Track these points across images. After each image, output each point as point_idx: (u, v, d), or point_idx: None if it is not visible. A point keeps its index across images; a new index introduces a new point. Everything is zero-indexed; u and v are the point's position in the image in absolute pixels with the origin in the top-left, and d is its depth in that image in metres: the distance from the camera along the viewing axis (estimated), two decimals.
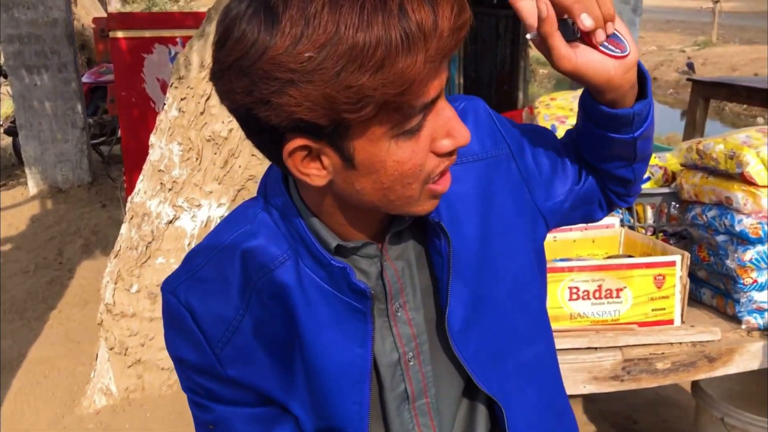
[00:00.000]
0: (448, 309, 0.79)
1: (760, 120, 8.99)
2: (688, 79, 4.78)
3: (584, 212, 0.92)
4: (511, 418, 0.82)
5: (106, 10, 11.19)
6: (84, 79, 6.17)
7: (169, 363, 2.43)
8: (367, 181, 0.67)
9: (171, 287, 0.78)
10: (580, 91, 2.76)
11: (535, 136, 0.88)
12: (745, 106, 8.89)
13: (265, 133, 0.66)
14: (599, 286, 1.42)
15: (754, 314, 1.46)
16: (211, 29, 2.26)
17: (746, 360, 1.45)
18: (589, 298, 1.42)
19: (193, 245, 2.36)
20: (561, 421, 0.90)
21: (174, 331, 0.79)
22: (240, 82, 0.62)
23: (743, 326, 1.47)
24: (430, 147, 0.67)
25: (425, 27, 0.59)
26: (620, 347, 1.41)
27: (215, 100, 2.24)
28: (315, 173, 0.67)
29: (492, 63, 7.23)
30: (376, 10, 0.58)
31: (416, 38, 0.59)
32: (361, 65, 0.58)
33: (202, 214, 2.33)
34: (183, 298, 0.77)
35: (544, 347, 0.88)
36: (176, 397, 2.44)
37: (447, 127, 0.67)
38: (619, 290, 1.42)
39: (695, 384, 1.88)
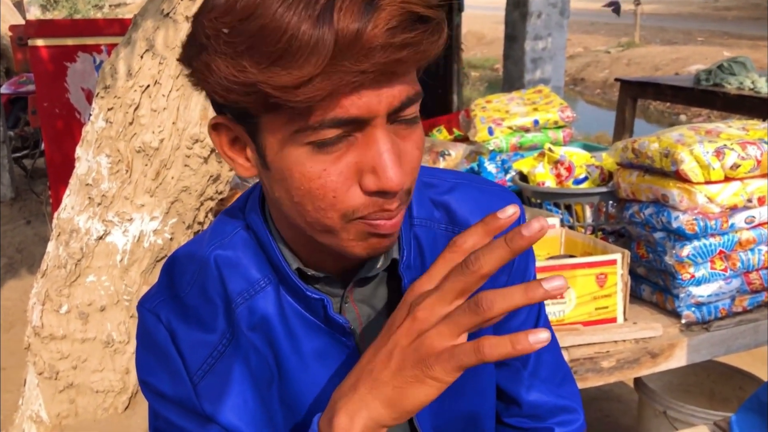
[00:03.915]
0: None
1: (683, 117, 9.37)
2: (616, 80, 4.93)
3: None
4: None
5: (24, 18, 10.74)
6: (2, 90, 5.90)
7: (104, 385, 2.32)
8: (281, 189, 0.62)
9: (151, 305, 0.71)
10: (515, 93, 2.76)
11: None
12: (668, 104, 9.25)
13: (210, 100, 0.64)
14: None
15: (693, 308, 1.49)
16: (138, 36, 2.18)
17: (687, 354, 1.48)
18: None
19: (125, 261, 2.27)
20: None
21: (149, 353, 0.71)
22: (187, 35, 0.61)
23: (683, 321, 1.50)
24: (357, 177, 0.60)
25: (343, 34, 0.52)
26: (566, 348, 1.41)
27: (144, 109, 2.15)
28: (241, 162, 0.65)
29: (426, 67, 7.28)
30: None
31: (326, 42, 0.52)
32: (260, 50, 0.54)
33: (135, 229, 2.24)
34: (165, 318, 0.70)
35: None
36: (112, 420, 2.33)
37: (374, 162, 0.59)
38: None
39: (638, 379, 1.91)
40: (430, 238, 0.76)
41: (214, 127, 0.65)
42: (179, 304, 0.70)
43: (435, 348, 0.54)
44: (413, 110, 0.61)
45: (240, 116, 0.61)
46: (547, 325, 0.89)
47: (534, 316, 0.86)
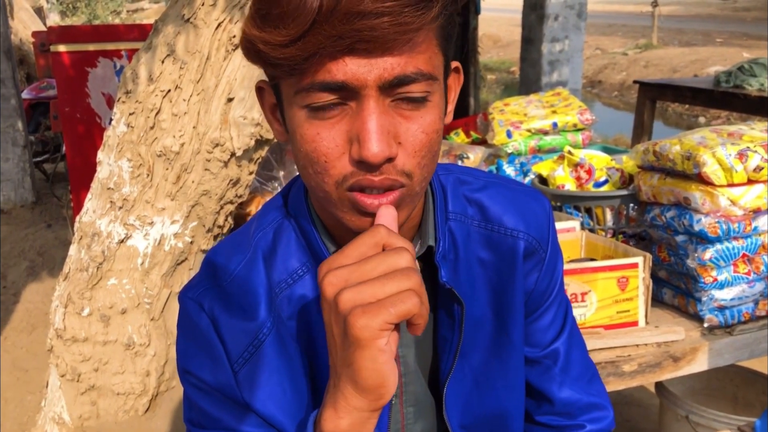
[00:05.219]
0: (451, 374, 0.75)
1: (701, 120, 9.29)
2: (635, 82, 4.90)
3: None
4: None
5: (44, 24, 10.88)
6: (24, 95, 5.96)
7: (125, 387, 2.34)
8: (295, 153, 0.66)
9: (194, 294, 0.73)
10: (533, 96, 2.75)
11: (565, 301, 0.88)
12: (687, 106, 9.17)
13: None
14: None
15: (715, 312, 1.48)
16: (159, 41, 2.20)
17: (709, 358, 1.47)
18: None
19: (146, 265, 2.29)
20: None
21: (191, 341, 0.73)
22: None
23: (705, 324, 1.48)
24: (349, 146, 0.62)
25: (327, 1, 0.56)
26: (587, 351, 1.40)
27: (165, 114, 2.17)
28: (276, 127, 0.70)
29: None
30: None
31: (311, 7, 0.56)
32: (264, 14, 0.60)
33: (155, 232, 2.26)
34: (207, 307, 0.71)
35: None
36: (132, 423, 2.35)
37: (359, 131, 0.61)
38: (584, 294, 1.42)
39: (659, 383, 1.90)
40: (464, 234, 0.77)
41: (258, 91, 0.71)
42: (222, 293, 0.71)
43: (356, 302, 0.55)
44: (419, 89, 0.62)
45: (270, 79, 0.67)
46: (574, 325, 0.90)
47: (561, 316, 0.86)
